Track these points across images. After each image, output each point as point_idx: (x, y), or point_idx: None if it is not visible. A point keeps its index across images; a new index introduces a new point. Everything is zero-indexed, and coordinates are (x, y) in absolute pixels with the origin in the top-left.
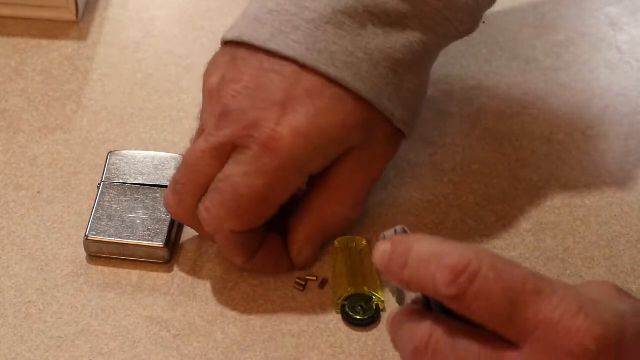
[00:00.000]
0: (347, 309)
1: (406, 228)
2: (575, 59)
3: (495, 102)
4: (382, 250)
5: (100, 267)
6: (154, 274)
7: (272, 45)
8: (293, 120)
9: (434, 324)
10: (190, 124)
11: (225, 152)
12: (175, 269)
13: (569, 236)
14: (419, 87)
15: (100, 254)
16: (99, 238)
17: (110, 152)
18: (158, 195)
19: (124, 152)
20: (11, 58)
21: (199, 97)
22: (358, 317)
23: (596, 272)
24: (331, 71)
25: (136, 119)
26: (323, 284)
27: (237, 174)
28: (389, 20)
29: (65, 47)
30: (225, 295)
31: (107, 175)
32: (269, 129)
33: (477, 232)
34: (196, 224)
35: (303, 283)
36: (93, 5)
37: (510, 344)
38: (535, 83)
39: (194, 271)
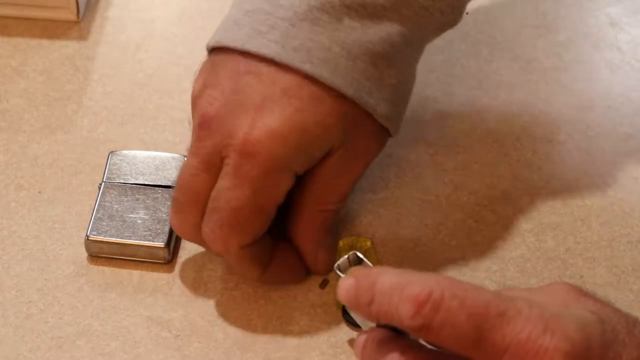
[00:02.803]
0: (348, 310)
1: (358, 253)
2: (576, 59)
3: (496, 103)
4: (346, 286)
5: (101, 267)
6: (155, 274)
7: (248, 46)
8: (268, 122)
9: (403, 354)
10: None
11: (214, 163)
12: (176, 269)
13: (569, 236)
14: (402, 82)
15: (101, 254)
16: (100, 238)
17: (111, 152)
18: (159, 195)
19: (125, 152)
20: (12, 58)
21: None
22: None
23: (597, 272)
24: (307, 68)
25: (137, 119)
26: (324, 284)
27: (225, 188)
28: (366, 13)
29: (66, 47)
30: (226, 296)
31: (108, 175)
32: (243, 133)
33: (477, 232)
34: (204, 242)
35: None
36: (94, 5)
37: None
38: (536, 83)
39: (195, 271)
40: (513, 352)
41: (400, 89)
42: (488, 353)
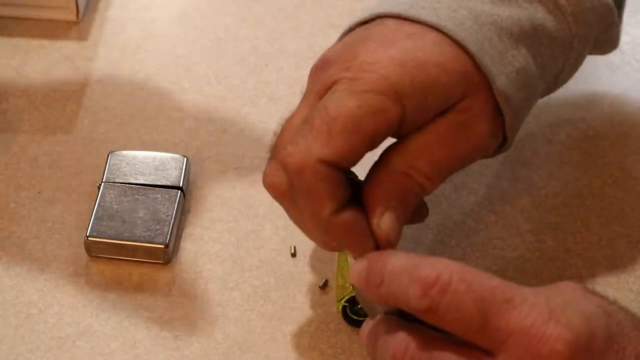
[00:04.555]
0: (348, 310)
1: None
2: None
3: None
4: (359, 268)
5: (100, 268)
6: (154, 275)
7: (376, 11)
8: (390, 50)
9: (409, 334)
10: (190, 124)
11: (320, 96)
12: (176, 269)
13: (569, 236)
14: (525, 70)
15: (101, 254)
16: (100, 238)
17: (111, 152)
18: (159, 195)
19: (125, 152)
20: (12, 58)
21: (199, 97)
22: (359, 318)
23: (597, 272)
24: (433, 20)
25: (137, 119)
26: (324, 284)
27: (327, 99)
28: None
29: (66, 47)
30: (226, 296)
31: (107, 176)
32: (365, 56)
33: (477, 232)
34: (292, 202)
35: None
36: (94, 5)
37: (486, 353)
38: None
39: (195, 272)
40: (517, 338)
41: (523, 77)
42: (492, 338)
